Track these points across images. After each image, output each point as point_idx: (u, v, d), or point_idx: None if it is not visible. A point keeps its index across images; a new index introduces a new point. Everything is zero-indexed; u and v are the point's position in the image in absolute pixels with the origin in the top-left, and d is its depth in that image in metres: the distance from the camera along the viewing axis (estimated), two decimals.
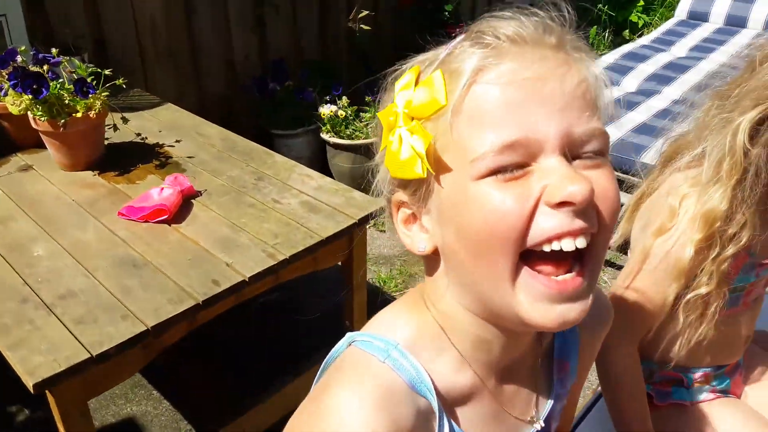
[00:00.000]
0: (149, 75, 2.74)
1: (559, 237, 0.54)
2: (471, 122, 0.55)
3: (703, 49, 3.48)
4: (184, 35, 2.82)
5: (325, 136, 3.08)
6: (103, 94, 1.65)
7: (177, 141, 1.94)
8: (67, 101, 1.59)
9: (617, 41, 4.79)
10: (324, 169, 3.14)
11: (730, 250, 0.96)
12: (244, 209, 1.60)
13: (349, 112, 3.08)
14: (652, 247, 0.99)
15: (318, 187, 1.71)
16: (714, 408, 1.17)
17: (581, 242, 0.55)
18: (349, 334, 0.67)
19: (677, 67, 3.22)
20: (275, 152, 1.91)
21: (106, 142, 1.83)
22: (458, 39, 0.59)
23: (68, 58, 1.65)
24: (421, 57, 0.61)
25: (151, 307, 1.27)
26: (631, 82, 3.07)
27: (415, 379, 0.61)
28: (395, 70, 0.63)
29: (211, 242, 1.47)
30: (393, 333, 0.64)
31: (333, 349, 0.69)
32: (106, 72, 1.64)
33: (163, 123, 2.07)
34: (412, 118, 0.58)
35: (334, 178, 1.83)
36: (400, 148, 0.58)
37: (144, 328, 1.21)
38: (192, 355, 2.09)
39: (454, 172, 0.56)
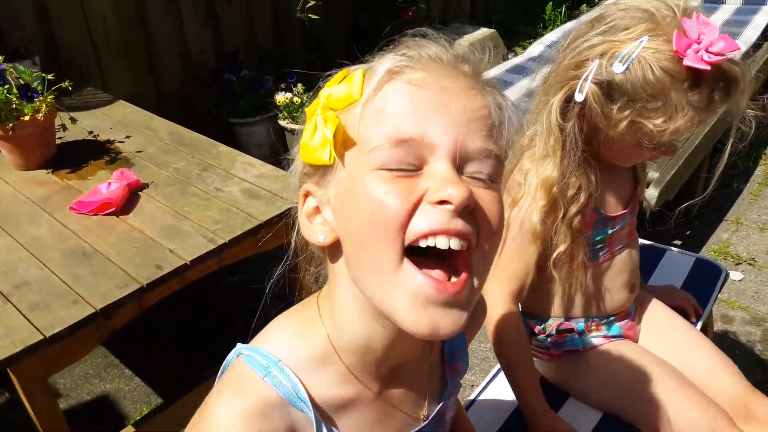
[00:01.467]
0: (105, 73, 2.83)
1: (434, 233, 0.57)
2: (376, 117, 0.60)
3: None
4: (136, 31, 2.91)
5: (282, 122, 3.19)
6: (49, 97, 1.75)
7: (127, 137, 2.05)
8: (14, 106, 1.70)
9: (573, 15, 4.90)
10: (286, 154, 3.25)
11: (573, 209, 1.12)
12: (188, 198, 1.72)
13: (305, 98, 3.19)
14: (509, 219, 1.15)
15: (259, 175, 1.83)
16: (606, 351, 1.31)
17: (455, 243, 0.57)
18: (238, 345, 0.72)
19: None
20: (236, 141, 2.02)
21: (58, 141, 1.93)
22: (388, 49, 0.66)
23: (12, 64, 1.74)
24: (355, 66, 0.66)
25: (100, 292, 1.39)
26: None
27: (291, 394, 0.67)
28: (329, 75, 0.68)
29: (156, 231, 1.59)
30: (278, 348, 0.69)
31: (226, 359, 0.74)
32: (49, 77, 1.75)
33: (115, 120, 2.18)
34: (330, 109, 0.63)
35: None
36: (314, 134, 0.62)
37: (93, 311, 1.34)
38: (160, 334, 2.23)
39: (354, 162, 0.61)
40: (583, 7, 5.15)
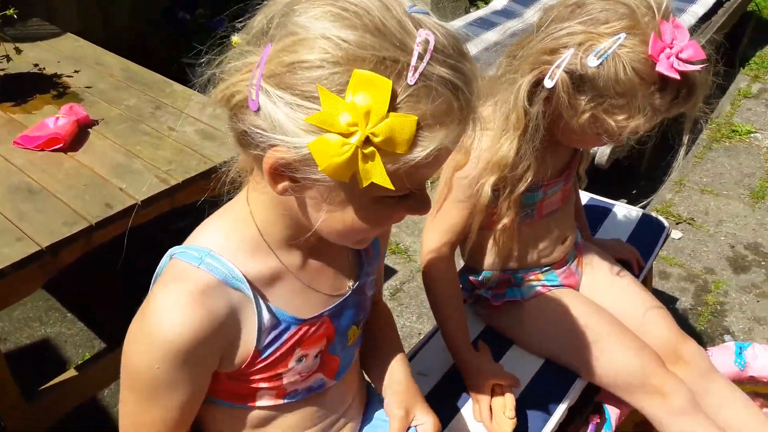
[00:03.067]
0: (51, 4, 2.68)
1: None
2: (413, 171, 0.64)
3: None
4: None
5: None
6: None
7: (76, 71, 1.97)
8: None
9: None
10: None
11: (522, 187, 1.16)
12: (140, 137, 1.68)
13: None
14: (453, 180, 1.18)
15: (215, 116, 1.79)
16: (546, 299, 1.37)
17: None
18: (170, 250, 0.79)
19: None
20: (189, 83, 1.96)
21: (1, 73, 1.84)
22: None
23: None
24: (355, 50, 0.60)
25: (46, 230, 1.35)
26: (532, 13, 3.17)
27: (227, 276, 0.75)
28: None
29: (106, 169, 1.55)
30: (209, 242, 0.77)
31: (159, 265, 0.80)
32: None
33: (62, 54, 2.08)
34: (372, 147, 0.60)
35: None
36: (342, 152, 0.59)
37: (38, 248, 1.31)
38: (105, 277, 2.19)
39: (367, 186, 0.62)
40: None
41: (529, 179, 1.16)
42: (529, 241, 1.33)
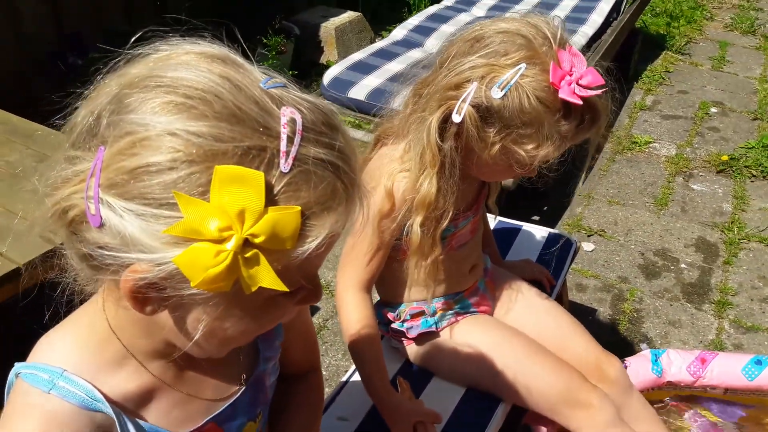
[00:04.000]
0: None
1: None
2: (305, 264, 0.56)
3: (501, 8, 3.73)
4: None
5: None
6: None
7: None
8: None
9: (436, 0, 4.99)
10: None
11: (444, 224, 1.15)
12: (22, 196, 1.55)
13: None
14: (380, 225, 1.16)
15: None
16: (461, 326, 1.35)
17: None
18: (16, 365, 0.67)
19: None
20: None
21: None
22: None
23: None
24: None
25: None
26: (432, 43, 3.24)
27: (84, 400, 0.64)
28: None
29: None
30: (60, 358, 0.66)
31: (7, 382, 0.69)
32: None
33: None
34: (253, 248, 0.52)
35: None
36: (214, 258, 0.51)
37: None
38: None
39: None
40: None
41: (450, 214, 1.14)
42: (441, 272, 1.30)
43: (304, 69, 3.76)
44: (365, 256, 1.18)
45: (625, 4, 3.64)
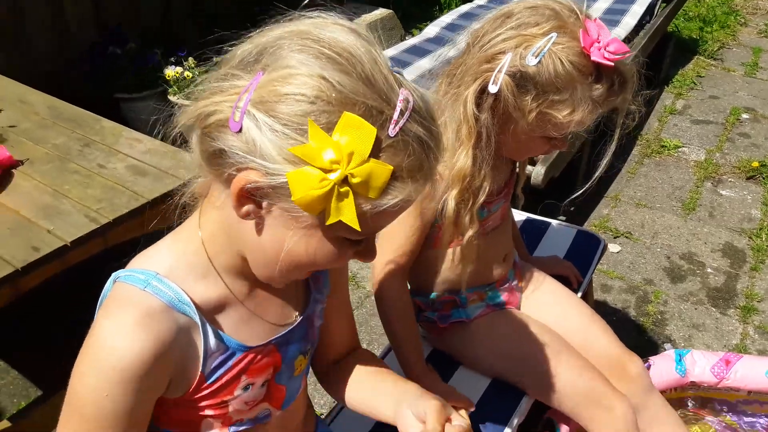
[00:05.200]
0: None
1: None
2: (378, 217, 0.67)
3: None
4: (4, 2, 2.68)
5: (172, 98, 3.06)
6: None
7: None
8: None
9: None
10: (177, 133, 3.14)
11: (481, 199, 1.17)
12: (68, 176, 1.62)
13: (197, 72, 3.07)
14: (418, 207, 1.18)
15: (146, 151, 1.75)
16: (490, 319, 1.37)
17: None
18: (114, 273, 0.77)
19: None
20: (122, 118, 1.91)
21: None
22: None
23: None
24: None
25: None
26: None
27: (173, 299, 0.74)
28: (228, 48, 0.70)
29: (33, 211, 1.49)
30: (153, 264, 0.76)
31: (103, 290, 0.79)
32: None
33: None
34: (347, 187, 0.63)
35: (187, 141, 1.85)
36: (319, 187, 0.62)
37: None
38: (39, 322, 2.09)
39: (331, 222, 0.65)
40: None
41: (487, 189, 1.17)
42: (474, 260, 1.33)
43: None
44: (406, 238, 1.21)
45: (659, 8, 3.62)
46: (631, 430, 1.31)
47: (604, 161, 1.24)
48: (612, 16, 3.39)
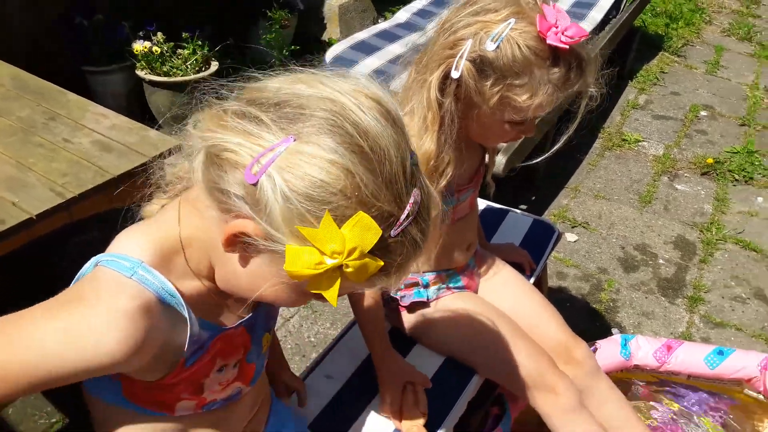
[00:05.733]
0: None
1: None
2: None
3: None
4: None
5: (140, 72, 3.04)
6: None
7: None
8: None
9: None
10: (144, 107, 3.12)
11: (443, 182, 1.21)
12: (33, 149, 1.61)
13: (165, 48, 3.05)
14: None
15: (112, 126, 1.75)
16: (449, 301, 1.43)
17: None
18: (94, 257, 0.75)
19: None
20: (90, 91, 1.90)
21: None
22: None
23: None
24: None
25: None
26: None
27: (160, 290, 0.73)
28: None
29: None
30: (137, 252, 0.74)
31: (80, 272, 0.77)
32: None
33: None
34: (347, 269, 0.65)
35: (154, 118, 1.86)
36: (319, 268, 0.64)
37: None
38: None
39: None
40: None
41: (449, 174, 1.20)
42: (440, 246, 1.39)
43: (306, 44, 3.81)
44: None
45: (625, 3, 3.70)
46: (575, 411, 1.38)
47: (564, 137, 1.28)
48: (579, 10, 3.46)
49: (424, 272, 1.39)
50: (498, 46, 1.08)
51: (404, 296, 1.42)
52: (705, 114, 3.80)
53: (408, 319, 1.45)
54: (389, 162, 0.66)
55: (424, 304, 1.43)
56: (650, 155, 3.35)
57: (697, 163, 3.29)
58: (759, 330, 2.29)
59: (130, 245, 0.75)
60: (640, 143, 3.44)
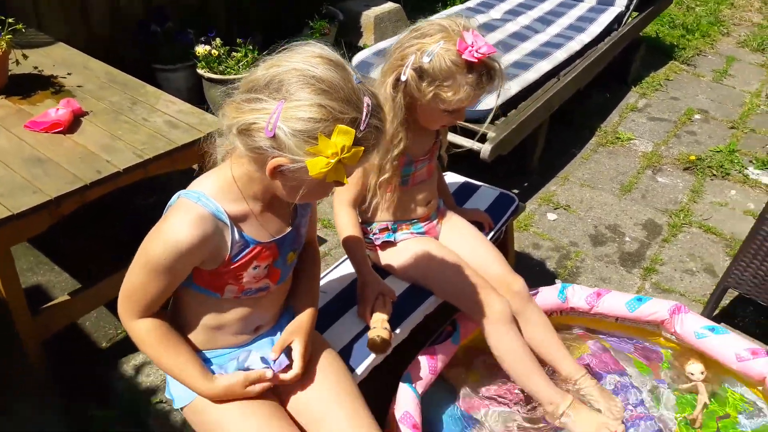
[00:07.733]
0: (39, 15, 3.19)
1: None
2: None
3: (515, 12, 4.24)
4: None
5: (200, 71, 3.65)
6: (6, 36, 2.18)
7: (68, 74, 2.49)
8: None
9: None
10: (201, 100, 3.73)
11: (396, 152, 1.74)
12: (121, 125, 2.21)
13: (222, 51, 3.66)
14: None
15: (179, 111, 2.34)
16: (411, 243, 1.95)
17: None
18: (178, 192, 1.25)
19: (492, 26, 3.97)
20: (157, 85, 2.48)
21: (9, 74, 2.35)
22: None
23: None
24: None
25: (53, 187, 1.88)
26: None
27: (214, 210, 1.21)
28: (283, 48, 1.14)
29: (96, 147, 2.08)
30: (203, 187, 1.23)
31: (170, 202, 1.27)
32: (10, 20, 2.17)
33: (55, 59, 2.60)
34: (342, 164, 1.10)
35: (210, 109, 2.41)
36: (332, 171, 1.09)
37: (48, 198, 1.83)
38: (88, 234, 2.70)
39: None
40: None
41: (401, 146, 1.73)
42: (405, 202, 1.91)
43: (343, 50, 4.36)
44: (353, 183, 1.80)
45: (628, 18, 4.11)
46: (505, 323, 1.86)
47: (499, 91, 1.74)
48: (581, 23, 3.90)
49: (393, 221, 1.92)
50: (431, 60, 1.61)
51: (378, 238, 1.94)
52: (699, 117, 4.17)
53: (381, 256, 1.98)
54: (342, 89, 1.08)
55: (393, 244, 1.95)
56: (639, 152, 3.76)
57: (681, 159, 3.68)
58: (700, 296, 2.70)
59: (200, 184, 1.25)
60: (632, 141, 3.85)
